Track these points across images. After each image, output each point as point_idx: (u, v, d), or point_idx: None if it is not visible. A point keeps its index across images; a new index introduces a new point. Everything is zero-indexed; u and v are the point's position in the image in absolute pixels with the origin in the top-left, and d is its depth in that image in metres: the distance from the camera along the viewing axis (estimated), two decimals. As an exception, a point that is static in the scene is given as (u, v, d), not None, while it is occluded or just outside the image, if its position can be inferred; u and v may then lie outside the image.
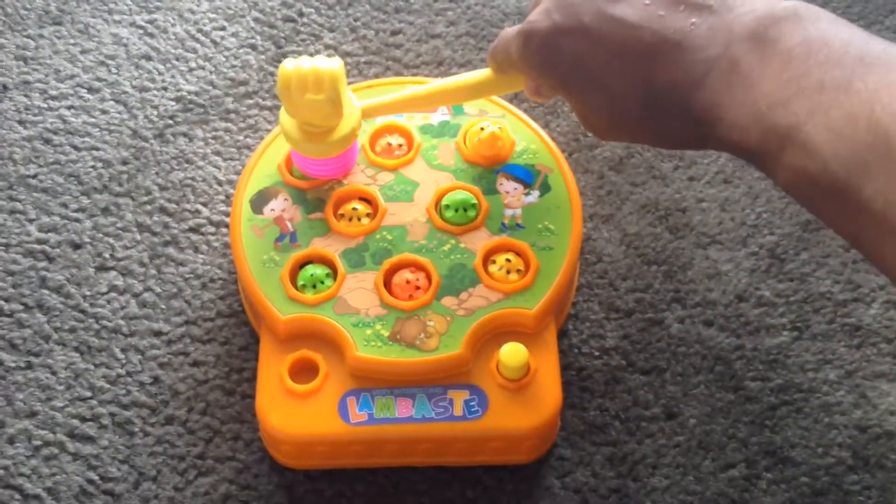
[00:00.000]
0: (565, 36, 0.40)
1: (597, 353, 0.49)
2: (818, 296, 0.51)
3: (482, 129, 0.50)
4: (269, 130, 0.56)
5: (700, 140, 0.39)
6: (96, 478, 0.45)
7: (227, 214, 0.53)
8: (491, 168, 0.50)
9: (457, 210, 0.48)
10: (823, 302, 0.50)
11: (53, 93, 0.58)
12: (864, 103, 0.33)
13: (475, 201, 0.48)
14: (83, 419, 0.47)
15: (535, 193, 0.49)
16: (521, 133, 0.51)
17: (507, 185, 0.49)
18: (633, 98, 0.40)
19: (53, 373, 0.48)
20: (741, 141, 0.37)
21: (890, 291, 0.51)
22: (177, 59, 0.59)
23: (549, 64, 0.42)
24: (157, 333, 0.49)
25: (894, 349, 0.49)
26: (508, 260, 0.46)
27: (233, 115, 0.57)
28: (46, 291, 0.50)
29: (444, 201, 0.48)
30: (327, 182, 0.49)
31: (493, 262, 0.47)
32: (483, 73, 0.48)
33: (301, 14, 0.62)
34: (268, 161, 0.50)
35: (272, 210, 0.48)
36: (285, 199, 0.49)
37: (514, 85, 0.48)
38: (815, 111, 0.34)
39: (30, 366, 0.48)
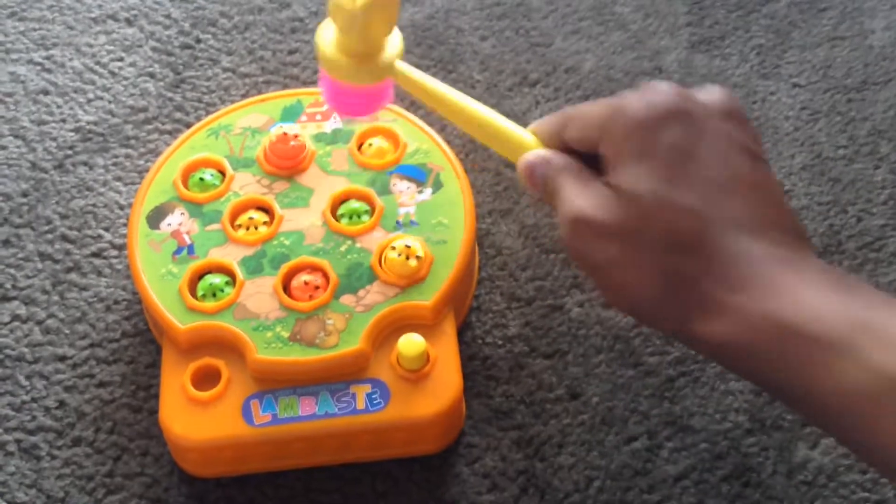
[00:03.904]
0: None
1: (500, 342, 0.50)
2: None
3: (370, 144, 0.51)
4: (169, 153, 0.56)
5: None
6: (3, 504, 0.45)
7: (129, 236, 0.53)
8: (384, 170, 0.51)
9: (351, 217, 0.49)
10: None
11: (-49, 132, 0.58)
12: None
13: (368, 208, 0.49)
14: (-11, 448, 0.46)
15: (428, 191, 0.50)
16: (413, 135, 0.52)
17: (400, 185, 0.50)
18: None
19: (-44, 404, 0.48)
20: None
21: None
22: (75, 92, 0.60)
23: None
24: (62, 358, 0.49)
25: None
26: (408, 246, 0.47)
27: (133, 142, 0.58)
28: (-52, 325, 0.50)
29: (340, 210, 0.49)
30: (224, 193, 0.50)
31: (393, 248, 0.47)
32: (519, 134, 0.43)
33: (198, 41, 0.63)
34: (164, 178, 0.50)
35: (169, 225, 0.49)
36: (182, 214, 0.49)
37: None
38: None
39: (-68, 399, 0.48)
